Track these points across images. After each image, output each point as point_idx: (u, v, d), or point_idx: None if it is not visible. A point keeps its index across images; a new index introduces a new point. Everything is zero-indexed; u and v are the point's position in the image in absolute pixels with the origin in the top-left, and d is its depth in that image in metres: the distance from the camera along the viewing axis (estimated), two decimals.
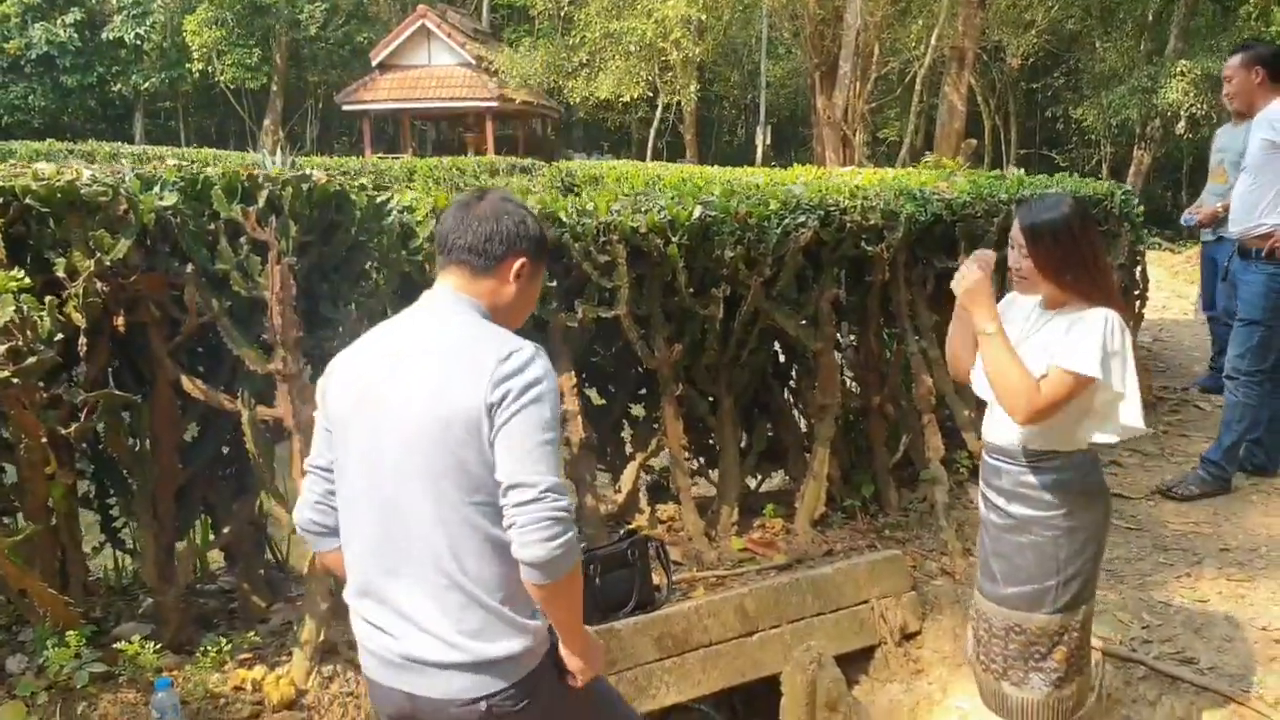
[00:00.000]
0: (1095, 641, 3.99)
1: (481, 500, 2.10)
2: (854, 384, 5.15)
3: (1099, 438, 2.91)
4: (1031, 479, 2.95)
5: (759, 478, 5.27)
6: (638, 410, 4.81)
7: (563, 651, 2.27)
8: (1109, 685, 3.92)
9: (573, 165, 16.62)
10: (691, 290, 4.21)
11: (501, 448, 2.06)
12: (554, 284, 4.03)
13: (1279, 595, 4.21)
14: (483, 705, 2.13)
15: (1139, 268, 6.66)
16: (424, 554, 2.13)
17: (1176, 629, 4.08)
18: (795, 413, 5.06)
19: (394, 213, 3.72)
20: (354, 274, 3.65)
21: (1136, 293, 6.68)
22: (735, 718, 4.82)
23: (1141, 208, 6.78)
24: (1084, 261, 2.85)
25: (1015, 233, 2.91)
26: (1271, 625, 4.01)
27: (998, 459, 3.06)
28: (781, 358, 5.10)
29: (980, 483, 3.16)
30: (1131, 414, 2.86)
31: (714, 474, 4.88)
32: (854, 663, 4.27)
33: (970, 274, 2.88)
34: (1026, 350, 2.89)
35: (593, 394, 4.85)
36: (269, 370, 3.34)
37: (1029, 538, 2.97)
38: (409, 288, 4.13)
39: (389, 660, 2.19)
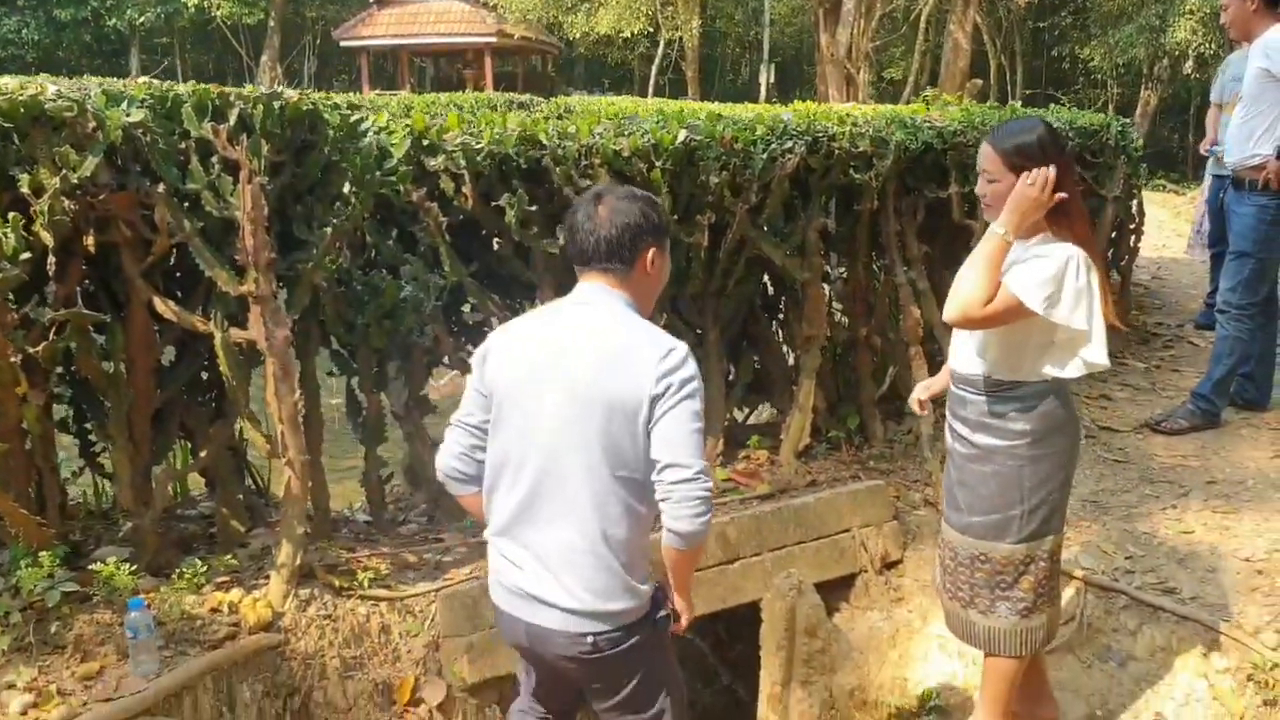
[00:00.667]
0: (1077, 572, 4.00)
1: (625, 475, 2.43)
2: (842, 316, 5.11)
3: (1061, 371, 2.86)
4: (996, 408, 2.91)
5: (746, 410, 5.25)
6: None
7: (675, 600, 2.67)
8: (1090, 615, 3.92)
9: (571, 101, 16.39)
10: (676, 217, 4.14)
11: (660, 433, 2.39)
12: (535, 209, 3.97)
13: (1263, 527, 4.20)
14: (589, 640, 2.48)
15: (1135, 201, 6.58)
16: (569, 514, 2.45)
17: (1160, 560, 4.07)
18: (783, 345, 5.03)
19: (369, 133, 3.65)
20: (329, 196, 3.59)
21: (1132, 227, 6.61)
22: (719, 644, 4.86)
23: (1140, 141, 6.69)
24: (1056, 184, 2.78)
25: (983, 158, 2.84)
26: (1254, 556, 4.00)
27: (963, 389, 3.02)
28: (770, 289, 5.05)
29: (947, 413, 3.12)
30: (1095, 352, 2.82)
31: None
32: (835, 590, 4.27)
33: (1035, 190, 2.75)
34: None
35: None
36: (241, 292, 3.29)
37: (993, 467, 2.94)
38: (386, 211, 4.10)
39: (516, 593, 2.54)
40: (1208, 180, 7.43)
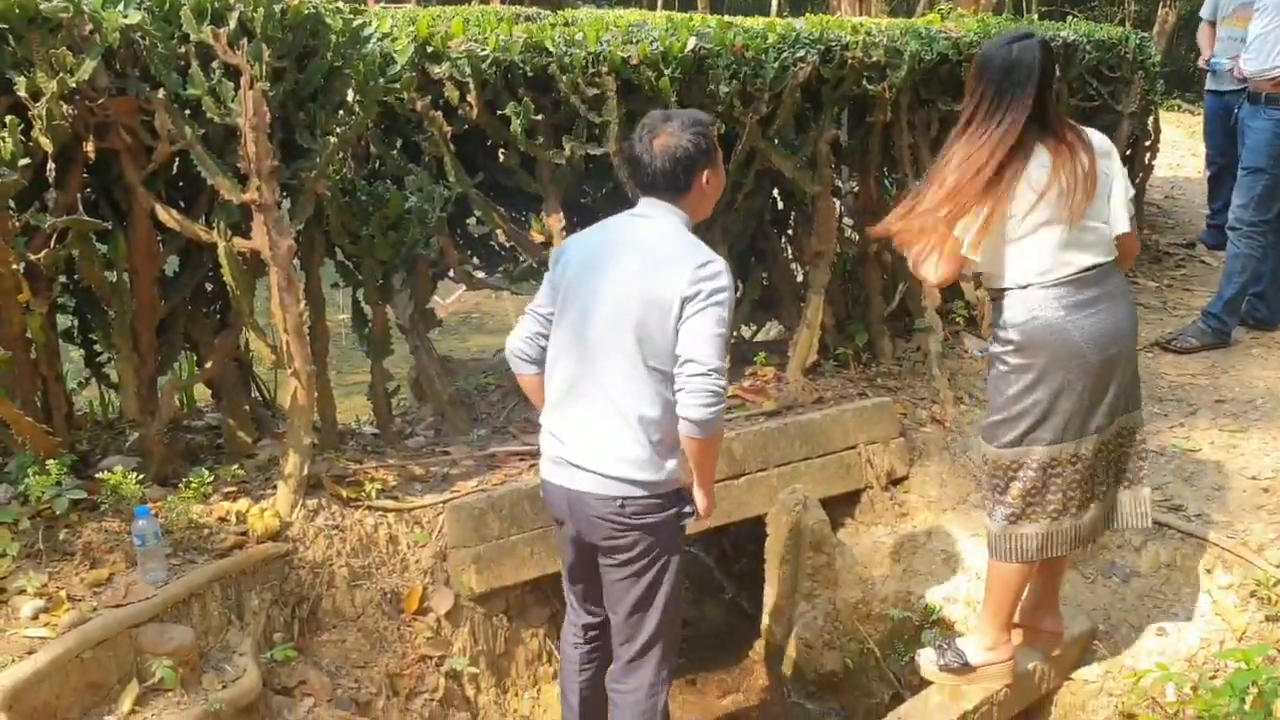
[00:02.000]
0: None
1: (656, 365, 2.71)
2: (853, 231, 5.05)
3: (1021, 277, 2.91)
4: (995, 315, 3.02)
5: (754, 326, 5.21)
6: None
7: (695, 490, 2.88)
8: None
9: (579, 13, 16.08)
10: None
11: (686, 331, 2.65)
12: (540, 118, 3.90)
13: (1270, 445, 4.19)
14: (619, 502, 2.76)
15: (1150, 117, 6.46)
16: (610, 393, 2.74)
17: (1167, 477, 4.07)
18: (791, 261, 4.97)
19: (373, 39, 3.57)
20: (332, 103, 3.52)
21: (1147, 144, 6.50)
22: (724, 558, 4.89)
23: (1159, 57, 6.54)
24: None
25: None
26: (1261, 475, 4.00)
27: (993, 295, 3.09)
28: (779, 204, 4.99)
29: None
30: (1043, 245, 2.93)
31: None
32: (840, 506, 4.28)
33: None
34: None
35: None
36: (244, 200, 3.25)
37: (994, 371, 3.05)
38: (391, 120, 4.04)
39: (559, 463, 2.84)
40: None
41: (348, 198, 3.71)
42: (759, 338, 5.34)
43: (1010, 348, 2.95)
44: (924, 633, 3.80)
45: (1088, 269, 2.91)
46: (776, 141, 4.30)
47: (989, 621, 3.29)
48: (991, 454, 3.07)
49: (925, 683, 3.38)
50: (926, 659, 3.38)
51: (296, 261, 3.37)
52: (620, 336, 2.72)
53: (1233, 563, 3.60)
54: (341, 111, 3.56)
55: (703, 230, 4.43)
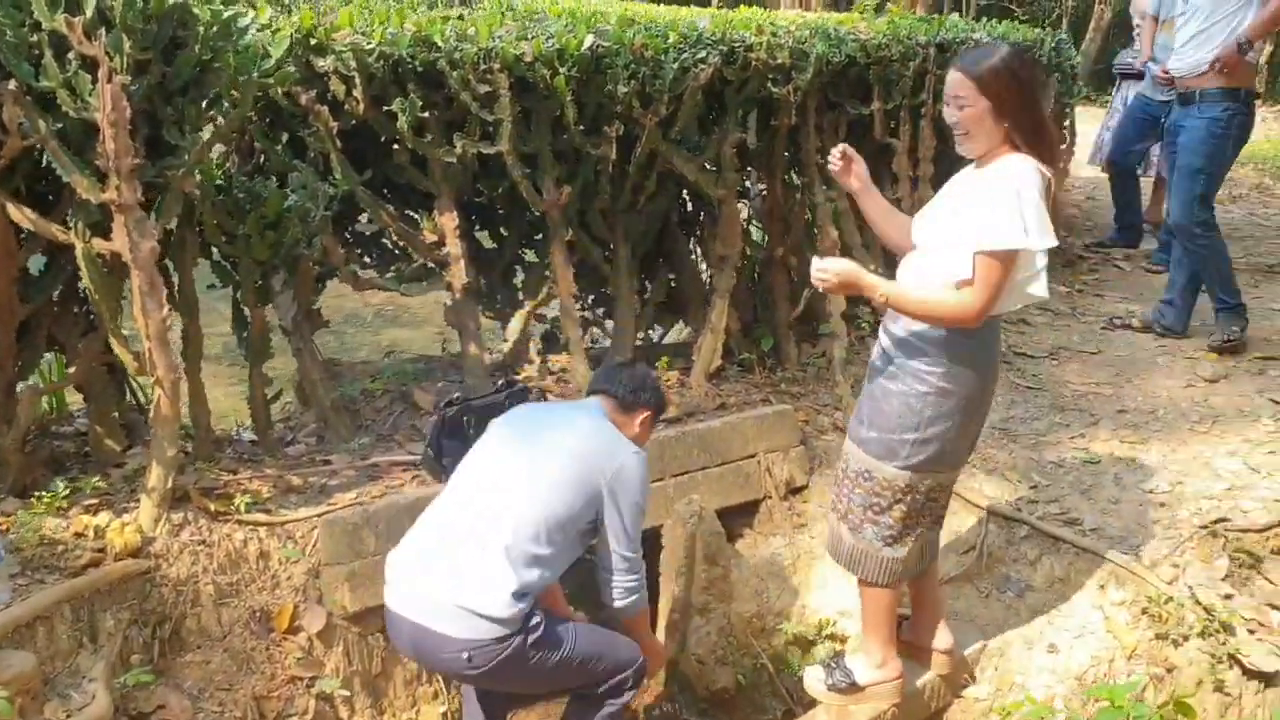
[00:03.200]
0: (981, 500, 3.95)
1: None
2: (763, 234, 4.97)
3: (999, 306, 2.79)
4: (922, 330, 2.83)
5: (662, 330, 5.12)
6: (534, 257, 4.61)
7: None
8: (991, 544, 3.89)
9: None
10: (582, 128, 3.95)
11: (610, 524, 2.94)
12: (430, 114, 3.76)
13: (1169, 459, 4.17)
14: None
15: (1067, 121, 6.46)
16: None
17: (1064, 489, 4.04)
18: (701, 263, 4.88)
19: (250, 30, 3.41)
20: (203, 98, 3.35)
21: (1063, 147, 6.49)
22: None
23: (1079, 59, 6.55)
24: (1027, 105, 2.72)
25: (954, 85, 2.74)
26: (1158, 489, 3.98)
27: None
28: (689, 205, 4.89)
29: (881, 325, 3.05)
30: (1038, 284, 2.80)
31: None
32: (738, 516, 4.20)
33: (830, 269, 2.77)
34: (932, 209, 2.88)
35: (484, 237, 4.64)
36: (103, 200, 3.07)
37: (899, 386, 2.88)
38: (276, 115, 3.87)
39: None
40: (1120, 94, 7.36)
41: (223, 195, 3.54)
42: (669, 340, 5.25)
43: (939, 371, 2.82)
44: (815, 649, 3.74)
45: None
46: (679, 143, 4.19)
47: (871, 640, 3.24)
48: (887, 473, 2.93)
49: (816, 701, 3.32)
50: (814, 678, 3.32)
51: (173, 264, 3.20)
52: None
53: (1125, 579, 3.57)
54: (214, 107, 3.39)
55: (604, 230, 4.35)
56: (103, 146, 3.01)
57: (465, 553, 2.77)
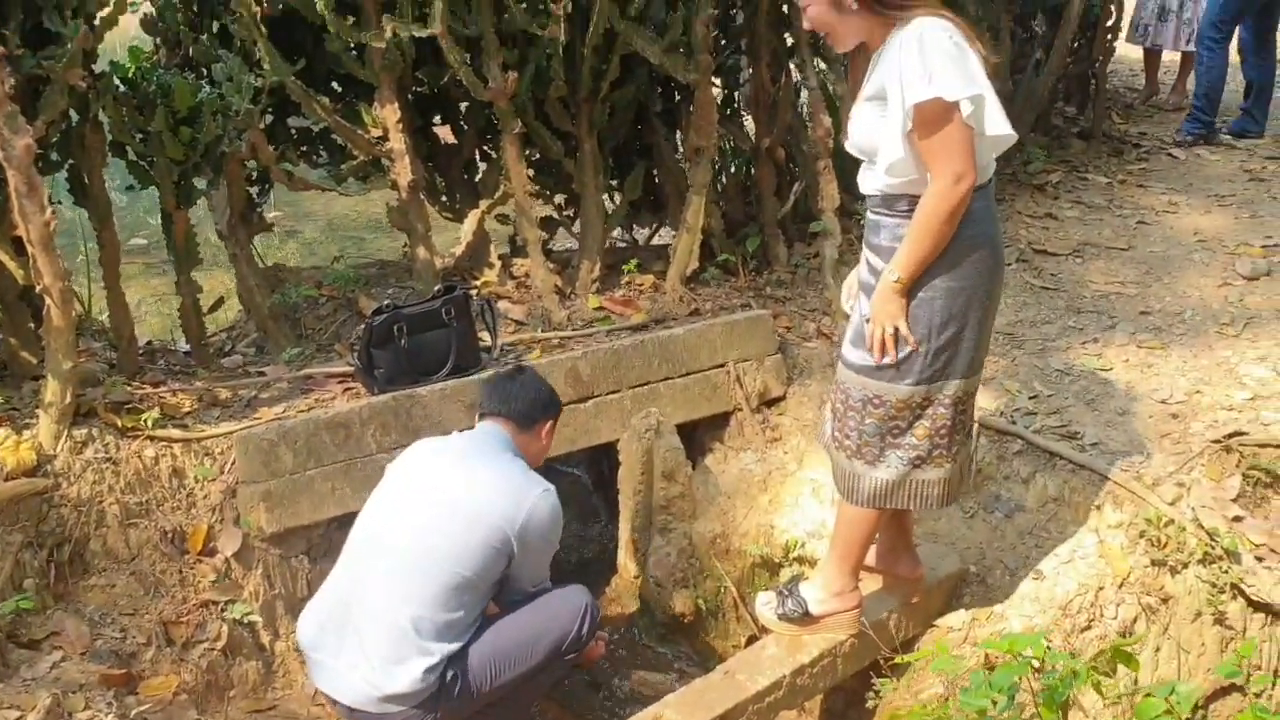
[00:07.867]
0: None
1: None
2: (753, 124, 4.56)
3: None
4: (905, 233, 2.44)
5: (639, 230, 4.77)
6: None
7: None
8: (981, 460, 3.54)
9: None
10: (524, 5, 3.58)
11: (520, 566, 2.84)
12: None
13: (1189, 365, 3.75)
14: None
15: None
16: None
17: (1068, 400, 3.66)
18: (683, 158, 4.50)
19: None
20: None
21: (1109, 23, 5.92)
22: (602, 481, 4.54)
23: None
24: None
25: None
26: (1172, 398, 3.57)
27: (877, 212, 2.56)
28: (676, 96, 4.49)
29: (863, 245, 2.66)
30: (996, 121, 2.37)
31: None
32: (708, 430, 3.89)
33: (879, 319, 2.51)
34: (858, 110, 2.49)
35: (446, 131, 4.32)
36: None
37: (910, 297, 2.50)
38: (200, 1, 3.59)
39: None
40: None
41: (128, 89, 3.27)
42: (656, 241, 4.91)
43: (941, 266, 2.45)
44: (783, 572, 3.45)
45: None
46: (639, 21, 3.79)
47: (835, 567, 2.92)
48: (899, 393, 2.57)
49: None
50: (765, 605, 3.02)
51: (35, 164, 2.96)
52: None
53: (1124, 499, 3.20)
54: None
55: (565, 121, 4.00)
56: None
57: (373, 633, 2.69)
